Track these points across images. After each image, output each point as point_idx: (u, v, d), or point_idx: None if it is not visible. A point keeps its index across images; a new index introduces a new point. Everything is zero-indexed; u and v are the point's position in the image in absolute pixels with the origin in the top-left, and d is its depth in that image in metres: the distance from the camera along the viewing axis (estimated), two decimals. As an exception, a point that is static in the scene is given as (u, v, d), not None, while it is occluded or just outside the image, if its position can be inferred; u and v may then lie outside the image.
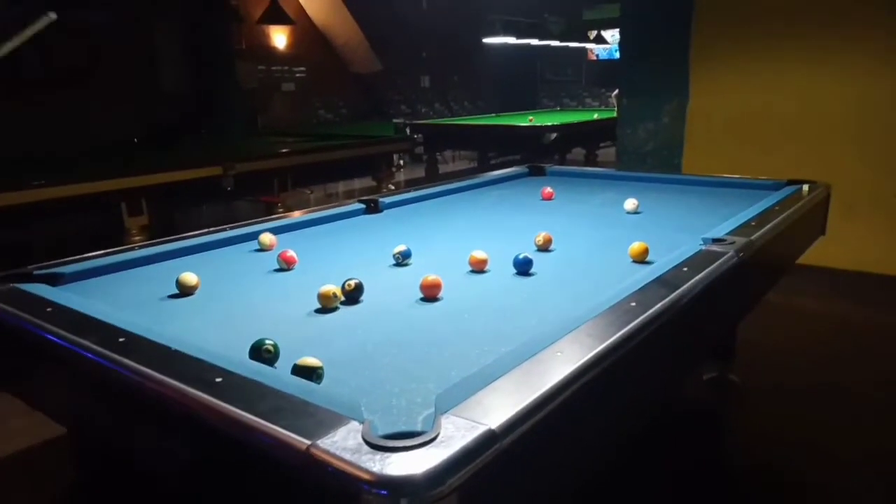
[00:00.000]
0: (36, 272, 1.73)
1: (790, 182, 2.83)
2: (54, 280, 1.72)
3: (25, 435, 2.45)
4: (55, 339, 1.28)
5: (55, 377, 1.44)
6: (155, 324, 1.35)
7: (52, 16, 3.09)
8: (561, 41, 11.03)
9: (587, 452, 1.22)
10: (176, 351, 1.16)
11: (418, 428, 0.92)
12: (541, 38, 10.56)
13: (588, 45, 12.29)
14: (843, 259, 4.21)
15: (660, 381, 1.57)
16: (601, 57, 12.66)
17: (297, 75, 9.58)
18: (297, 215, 2.55)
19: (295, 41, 9.37)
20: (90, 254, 1.93)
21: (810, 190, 2.70)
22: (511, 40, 10.02)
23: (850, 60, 4.27)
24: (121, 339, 1.22)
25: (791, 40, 4.45)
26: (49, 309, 1.42)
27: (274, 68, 9.27)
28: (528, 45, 11.06)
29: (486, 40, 10.18)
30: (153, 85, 7.09)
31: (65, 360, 1.30)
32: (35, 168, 4.13)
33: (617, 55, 6.22)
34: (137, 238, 3.69)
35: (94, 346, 1.20)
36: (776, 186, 2.81)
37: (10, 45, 3.09)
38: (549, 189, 2.95)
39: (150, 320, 1.39)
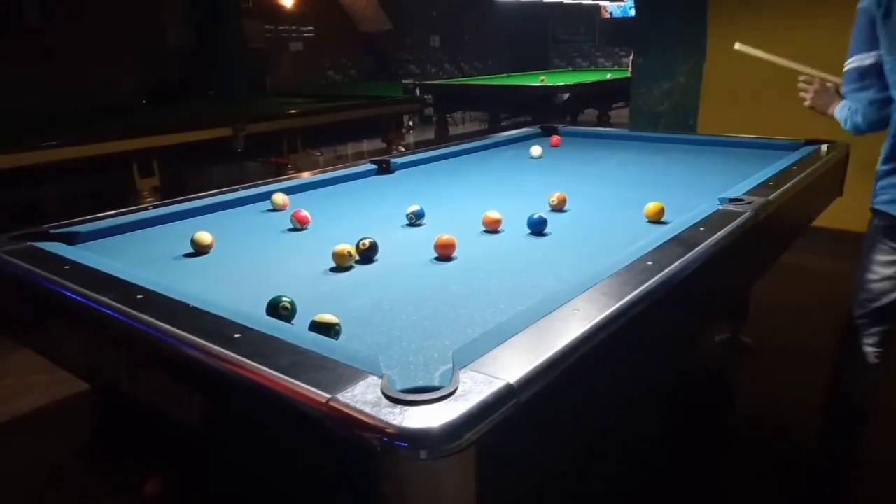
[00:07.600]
0: (52, 231, 1.74)
1: (808, 142, 2.78)
2: (70, 239, 1.73)
3: (46, 391, 2.51)
4: (73, 296, 1.29)
5: (74, 334, 1.45)
6: (171, 281, 1.35)
7: None
8: (574, -2, 10.76)
9: (602, 409, 1.23)
10: (194, 307, 1.17)
11: (436, 383, 0.93)
12: (553, -5, 10.32)
13: (602, 2, 11.97)
14: (859, 221, 4.13)
15: (674, 340, 1.57)
16: (615, 14, 12.33)
17: (305, 35, 9.42)
18: (308, 176, 2.53)
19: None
20: (106, 213, 1.93)
21: (828, 150, 2.65)
22: (523, -2, 9.78)
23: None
24: (139, 296, 1.23)
25: (812, -4, 4.31)
26: (67, 267, 1.43)
27: (281, 28, 9.11)
28: (540, 3, 10.80)
29: (498, -2, 9.96)
30: (158, 43, 6.99)
31: (83, 317, 1.32)
32: (43, 128, 4.12)
33: (632, 12, 6.06)
34: (149, 199, 3.70)
35: (113, 303, 1.21)
36: (794, 146, 2.76)
37: None
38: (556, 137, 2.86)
39: (166, 278, 1.40)
